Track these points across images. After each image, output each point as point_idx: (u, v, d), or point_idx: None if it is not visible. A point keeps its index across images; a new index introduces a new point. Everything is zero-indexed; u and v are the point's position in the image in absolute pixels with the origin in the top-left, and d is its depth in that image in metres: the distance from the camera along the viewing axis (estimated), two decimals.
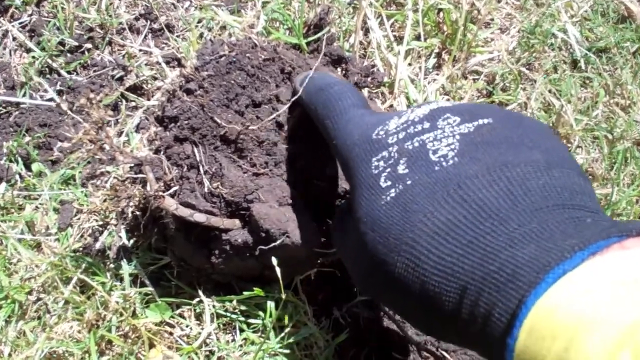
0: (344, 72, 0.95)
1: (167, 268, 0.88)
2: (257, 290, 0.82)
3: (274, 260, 0.74)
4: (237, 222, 0.77)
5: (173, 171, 0.79)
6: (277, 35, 1.00)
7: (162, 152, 0.80)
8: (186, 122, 0.78)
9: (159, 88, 1.04)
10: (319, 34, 0.97)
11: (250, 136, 0.78)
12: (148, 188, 0.77)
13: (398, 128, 0.57)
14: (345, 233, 0.62)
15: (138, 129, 1.00)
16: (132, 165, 0.80)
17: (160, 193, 0.76)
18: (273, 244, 0.74)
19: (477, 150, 0.50)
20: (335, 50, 0.94)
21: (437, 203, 0.48)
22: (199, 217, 0.77)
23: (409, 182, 0.51)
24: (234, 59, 0.80)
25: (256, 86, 0.79)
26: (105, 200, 0.88)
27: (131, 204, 0.82)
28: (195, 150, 0.78)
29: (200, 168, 0.78)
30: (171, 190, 0.78)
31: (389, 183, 0.53)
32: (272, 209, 0.75)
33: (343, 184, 0.80)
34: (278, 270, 0.73)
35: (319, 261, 0.81)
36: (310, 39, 0.98)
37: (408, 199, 0.51)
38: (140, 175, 0.79)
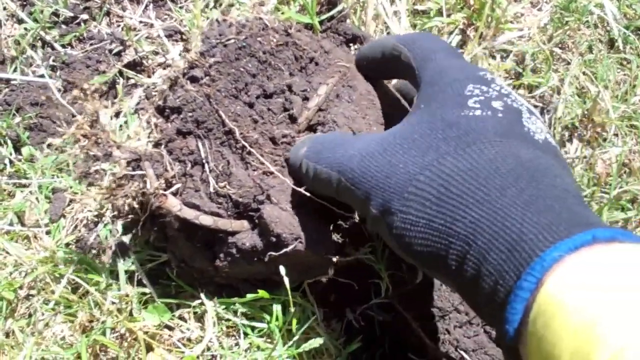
0: (357, 51, 0.87)
1: (166, 265, 0.81)
2: (262, 293, 0.76)
3: (282, 270, 0.67)
4: (245, 224, 0.70)
5: (175, 168, 0.71)
6: (288, 15, 0.92)
7: (163, 147, 0.72)
8: (190, 114, 0.71)
9: (160, 64, 0.97)
10: (333, 12, 0.89)
11: (261, 130, 0.70)
12: (148, 186, 0.70)
13: (504, 86, 0.61)
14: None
15: (137, 110, 0.93)
16: (130, 160, 0.73)
17: (162, 192, 0.70)
18: (284, 250, 0.67)
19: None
20: (348, 28, 0.87)
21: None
22: (206, 220, 0.70)
23: (499, 116, 0.57)
24: (244, 44, 0.72)
25: (268, 74, 0.72)
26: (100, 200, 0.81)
27: (128, 201, 0.74)
28: (200, 145, 0.71)
29: (206, 165, 0.71)
30: (173, 189, 0.71)
31: (478, 106, 0.57)
32: (283, 212, 0.68)
33: None
34: (286, 280, 0.67)
35: (331, 268, 0.74)
36: (323, 17, 0.90)
37: (494, 124, 0.56)
38: (138, 172, 0.72)
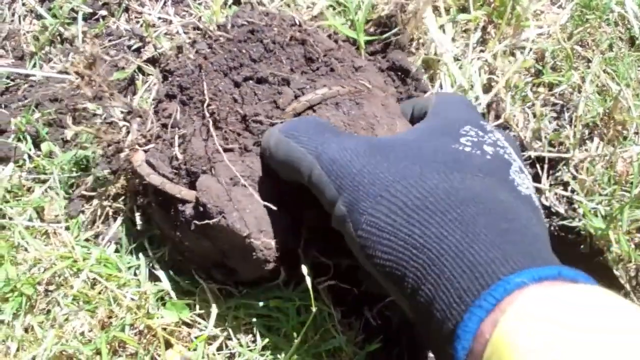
0: (399, 84, 0.87)
1: (186, 263, 0.81)
2: (276, 302, 0.77)
3: (304, 269, 0.66)
4: (194, 194, 0.71)
5: (155, 127, 0.73)
6: (334, 24, 0.91)
7: (152, 105, 0.75)
8: (178, 79, 0.73)
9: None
10: (387, 34, 0.89)
11: (236, 110, 0.70)
12: (129, 138, 0.73)
13: (501, 139, 0.63)
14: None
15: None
16: (122, 110, 0.75)
17: (137, 147, 0.72)
18: (207, 221, 0.66)
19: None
20: (398, 58, 0.86)
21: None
22: (154, 180, 0.71)
23: (488, 157, 0.58)
24: (258, 29, 0.72)
25: (269, 63, 0.72)
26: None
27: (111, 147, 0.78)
28: (179, 109, 0.72)
29: (175, 130, 0.72)
30: (150, 146, 0.74)
31: (469, 144, 0.59)
32: (216, 184, 0.67)
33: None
34: (308, 280, 0.66)
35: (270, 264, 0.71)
36: (372, 38, 0.90)
37: (481, 162, 0.58)
38: (122, 123, 0.76)
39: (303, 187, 0.64)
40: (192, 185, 0.71)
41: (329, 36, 0.78)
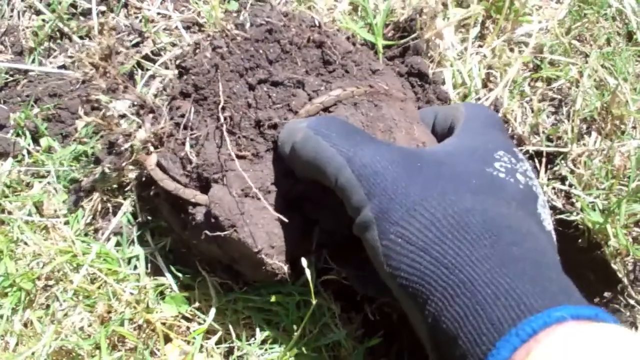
0: (418, 90, 0.87)
1: (185, 257, 0.81)
2: (276, 297, 0.77)
3: (304, 262, 0.66)
4: (207, 198, 0.71)
5: (168, 125, 0.72)
6: (352, 27, 0.91)
7: (167, 102, 0.75)
8: (193, 77, 0.72)
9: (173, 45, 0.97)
10: (406, 39, 0.89)
11: (250, 114, 0.70)
12: (141, 134, 0.73)
13: (530, 170, 0.62)
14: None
15: (155, 98, 0.93)
16: (135, 104, 0.74)
17: (151, 148, 0.73)
18: (218, 233, 0.67)
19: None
20: (417, 62, 0.86)
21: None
22: (168, 185, 0.71)
23: (520, 187, 0.57)
24: (276, 29, 0.72)
25: (285, 64, 0.71)
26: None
27: (120, 140, 0.77)
28: (192, 109, 0.72)
29: (187, 130, 0.72)
30: (162, 148, 0.73)
31: (503, 170, 0.58)
32: (228, 196, 0.67)
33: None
34: (308, 272, 0.66)
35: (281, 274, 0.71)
36: (390, 43, 0.90)
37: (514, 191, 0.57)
38: (136, 118, 0.76)
39: (319, 189, 0.64)
40: (203, 189, 0.71)
41: (347, 38, 0.78)
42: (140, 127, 0.76)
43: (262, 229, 0.67)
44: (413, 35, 0.90)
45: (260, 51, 0.71)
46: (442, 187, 0.55)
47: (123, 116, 0.82)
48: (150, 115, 0.76)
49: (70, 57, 0.97)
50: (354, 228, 0.59)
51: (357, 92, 0.70)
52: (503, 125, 0.71)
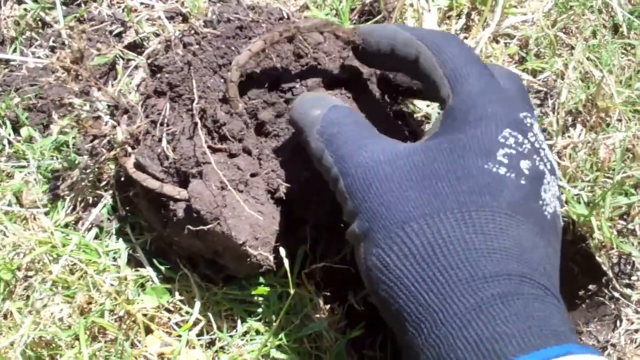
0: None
1: (166, 248, 0.81)
2: (261, 289, 0.77)
3: (282, 251, 0.65)
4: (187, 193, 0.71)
5: (143, 123, 0.73)
6: (317, 15, 0.90)
7: (141, 102, 0.75)
8: (167, 75, 0.72)
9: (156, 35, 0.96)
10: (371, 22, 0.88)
11: (224, 108, 0.70)
12: (118, 136, 0.73)
13: (538, 134, 0.56)
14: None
15: (137, 89, 0.92)
16: (109, 104, 0.76)
17: (129, 149, 0.73)
18: (201, 227, 0.66)
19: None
20: None
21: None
22: (152, 184, 0.71)
23: (522, 182, 0.52)
24: (246, 25, 0.71)
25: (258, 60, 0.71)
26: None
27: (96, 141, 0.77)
28: (168, 106, 0.72)
29: (164, 127, 0.72)
30: (140, 146, 0.73)
31: (506, 162, 0.52)
32: (207, 190, 0.67)
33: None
34: (286, 261, 0.65)
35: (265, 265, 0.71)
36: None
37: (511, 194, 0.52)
38: (110, 119, 0.76)
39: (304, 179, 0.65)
40: (182, 184, 0.71)
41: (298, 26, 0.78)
42: (114, 127, 0.76)
43: (245, 221, 0.67)
44: (377, 18, 0.89)
45: (233, 48, 0.71)
46: (426, 205, 0.51)
47: (97, 118, 0.81)
48: (125, 116, 0.75)
49: (52, 47, 0.96)
50: (346, 235, 0.58)
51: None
52: (487, 66, 0.59)
